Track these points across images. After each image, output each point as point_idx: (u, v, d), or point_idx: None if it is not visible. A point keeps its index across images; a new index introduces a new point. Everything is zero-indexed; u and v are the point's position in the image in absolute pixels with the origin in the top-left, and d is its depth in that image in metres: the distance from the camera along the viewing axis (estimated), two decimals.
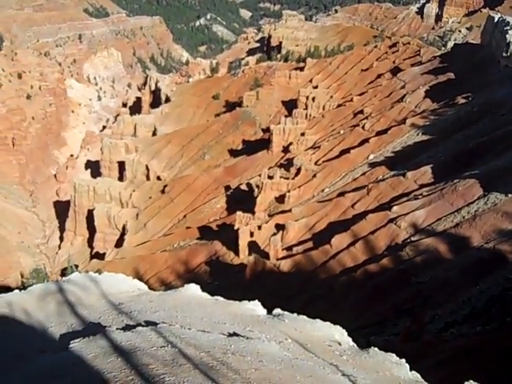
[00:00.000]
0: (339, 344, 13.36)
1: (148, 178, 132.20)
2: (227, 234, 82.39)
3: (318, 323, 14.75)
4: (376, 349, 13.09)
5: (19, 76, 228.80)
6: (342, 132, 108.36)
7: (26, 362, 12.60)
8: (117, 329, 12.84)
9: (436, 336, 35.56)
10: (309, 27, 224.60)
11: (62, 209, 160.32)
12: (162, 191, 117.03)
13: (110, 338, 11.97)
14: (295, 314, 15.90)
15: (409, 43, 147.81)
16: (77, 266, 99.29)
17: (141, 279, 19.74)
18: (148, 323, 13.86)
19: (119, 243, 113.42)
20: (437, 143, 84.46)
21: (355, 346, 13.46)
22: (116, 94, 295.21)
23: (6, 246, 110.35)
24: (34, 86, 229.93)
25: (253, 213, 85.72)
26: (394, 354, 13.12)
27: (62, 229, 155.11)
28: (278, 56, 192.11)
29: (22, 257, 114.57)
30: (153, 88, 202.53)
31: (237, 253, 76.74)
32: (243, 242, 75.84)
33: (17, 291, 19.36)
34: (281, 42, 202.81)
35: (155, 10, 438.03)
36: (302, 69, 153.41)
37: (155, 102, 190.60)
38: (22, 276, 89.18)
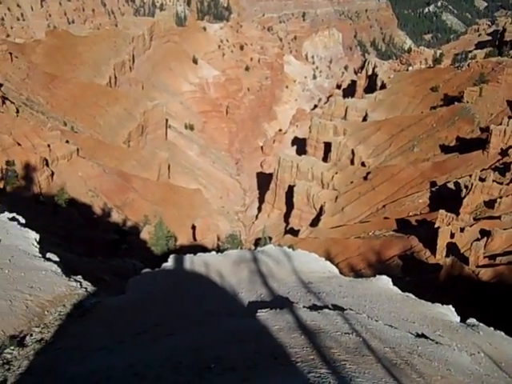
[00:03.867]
0: None
1: (352, 162, 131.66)
2: (426, 231, 79.42)
3: None
4: None
5: (241, 47, 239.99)
6: None
7: (215, 321, 13.07)
8: (304, 307, 12.82)
9: None
10: None
11: (263, 181, 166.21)
12: (365, 177, 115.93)
13: (296, 315, 11.97)
14: (491, 328, 14.72)
15: None
16: (270, 238, 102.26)
17: (331, 262, 19.64)
18: (335, 307, 13.69)
19: (314, 223, 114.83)
20: None
21: None
22: (331, 74, 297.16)
23: (207, 209, 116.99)
24: (253, 59, 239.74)
25: (457, 214, 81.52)
26: None
27: (261, 200, 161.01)
28: (511, 52, 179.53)
29: (220, 221, 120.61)
30: (369, 73, 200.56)
31: (433, 252, 73.70)
32: (442, 241, 72.54)
33: (213, 253, 20.32)
34: None
35: None
36: None
37: (370, 87, 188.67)
38: (219, 239, 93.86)
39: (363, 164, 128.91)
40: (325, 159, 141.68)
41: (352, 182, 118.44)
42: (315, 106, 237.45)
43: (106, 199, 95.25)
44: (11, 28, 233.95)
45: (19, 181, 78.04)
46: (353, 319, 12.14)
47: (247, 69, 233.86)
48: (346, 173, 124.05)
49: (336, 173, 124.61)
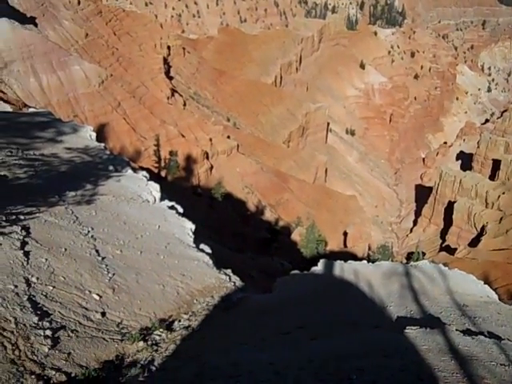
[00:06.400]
0: None
1: None
2: None
3: None
4: None
5: (412, 54, 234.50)
6: None
7: (361, 331, 12.72)
8: (456, 330, 12.16)
9: None
10: None
11: (422, 193, 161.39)
12: None
13: (447, 337, 11.35)
14: None
15: None
16: (424, 254, 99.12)
17: (489, 286, 18.58)
18: (491, 335, 12.85)
19: (473, 243, 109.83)
20: None
21: None
22: (509, 88, 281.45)
23: (361, 216, 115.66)
24: (423, 67, 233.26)
25: None
26: None
27: (417, 213, 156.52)
28: None
29: (373, 230, 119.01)
30: None
31: None
32: None
33: (364, 262, 19.89)
34: None
35: None
36: None
37: None
38: (370, 248, 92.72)
39: None
40: (492, 177, 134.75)
41: None
42: (486, 121, 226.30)
43: (261, 197, 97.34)
44: (187, 24, 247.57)
45: (180, 171, 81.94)
46: (510, 350, 11.27)
47: (416, 77, 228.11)
48: None
49: (503, 193, 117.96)
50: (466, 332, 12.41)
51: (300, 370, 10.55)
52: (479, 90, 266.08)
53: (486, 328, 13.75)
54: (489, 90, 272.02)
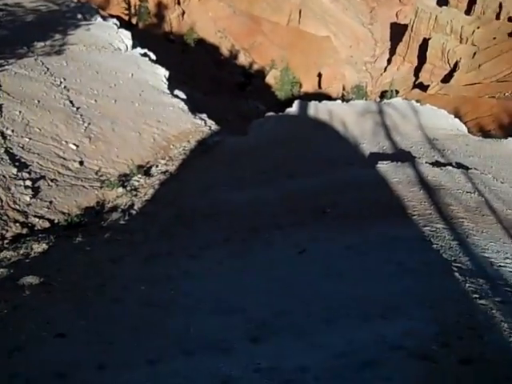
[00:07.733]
0: None
1: (498, 17, 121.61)
2: None
3: None
4: None
5: None
6: None
7: (335, 169, 13.10)
8: (426, 162, 12.50)
9: None
10: None
11: (397, 32, 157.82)
12: (510, 34, 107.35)
13: (417, 169, 11.68)
14: None
15: None
16: (397, 92, 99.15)
17: (460, 120, 18.88)
18: (459, 165, 13.18)
19: (446, 79, 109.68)
20: None
21: None
22: None
23: (335, 57, 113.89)
24: None
25: None
26: None
27: (391, 52, 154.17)
28: None
29: (347, 70, 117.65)
30: None
31: None
32: None
33: (339, 102, 19.96)
34: None
35: None
36: None
37: None
38: (344, 89, 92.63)
39: (510, 19, 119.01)
40: (468, 12, 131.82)
41: (494, 38, 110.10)
42: None
43: (234, 41, 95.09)
44: None
45: (151, 18, 79.09)
46: (477, 179, 11.65)
47: None
48: (489, 28, 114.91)
49: (478, 27, 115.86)
50: (435, 164, 12.72)
51: (277, 206, 10.94)
52: None
53: (455, 159, 14.09)
54: None
